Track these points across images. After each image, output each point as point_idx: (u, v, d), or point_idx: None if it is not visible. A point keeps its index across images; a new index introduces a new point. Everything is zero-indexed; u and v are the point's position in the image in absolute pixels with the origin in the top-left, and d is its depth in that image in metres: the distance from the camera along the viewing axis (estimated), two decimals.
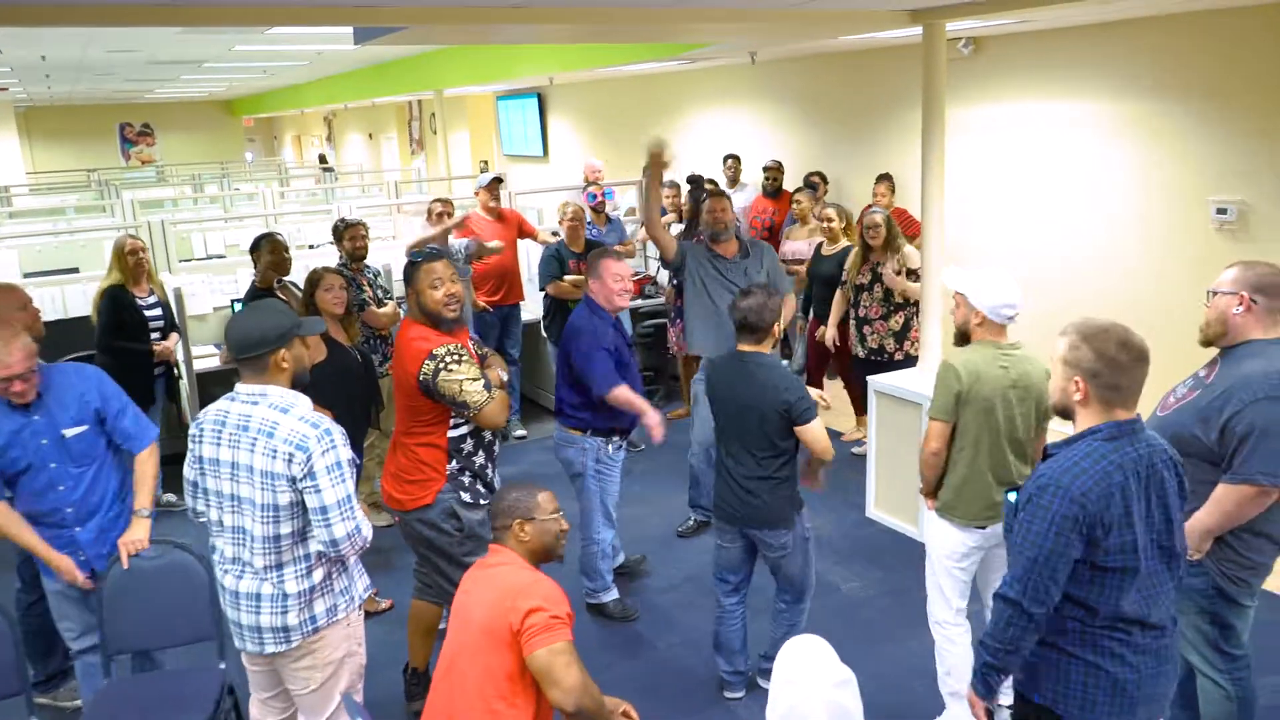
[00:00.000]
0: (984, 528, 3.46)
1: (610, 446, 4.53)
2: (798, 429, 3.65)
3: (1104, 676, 2.38)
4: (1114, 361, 2.33)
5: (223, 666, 3.46)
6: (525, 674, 2.57)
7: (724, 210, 5.24)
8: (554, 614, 2.56)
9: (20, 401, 3.34)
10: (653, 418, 4.32)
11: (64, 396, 3.44)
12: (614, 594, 4.74)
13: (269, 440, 2.76)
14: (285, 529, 2.81)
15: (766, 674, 4.13)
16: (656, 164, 5.01)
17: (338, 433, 2.82)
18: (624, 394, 4.31)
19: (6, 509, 3.39)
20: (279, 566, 2.84)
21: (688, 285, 5.34)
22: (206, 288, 6.96)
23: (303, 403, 2.86)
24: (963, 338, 3.49)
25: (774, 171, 8.37)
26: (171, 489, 6.30)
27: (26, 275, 7.30)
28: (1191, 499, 2.86)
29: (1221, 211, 5.71)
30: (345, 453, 2.82)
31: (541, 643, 2.52)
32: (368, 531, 2.87)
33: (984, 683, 2.49)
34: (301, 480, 2.74)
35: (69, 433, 3.42)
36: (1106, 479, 2.29)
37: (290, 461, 2.74)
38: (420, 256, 3.69)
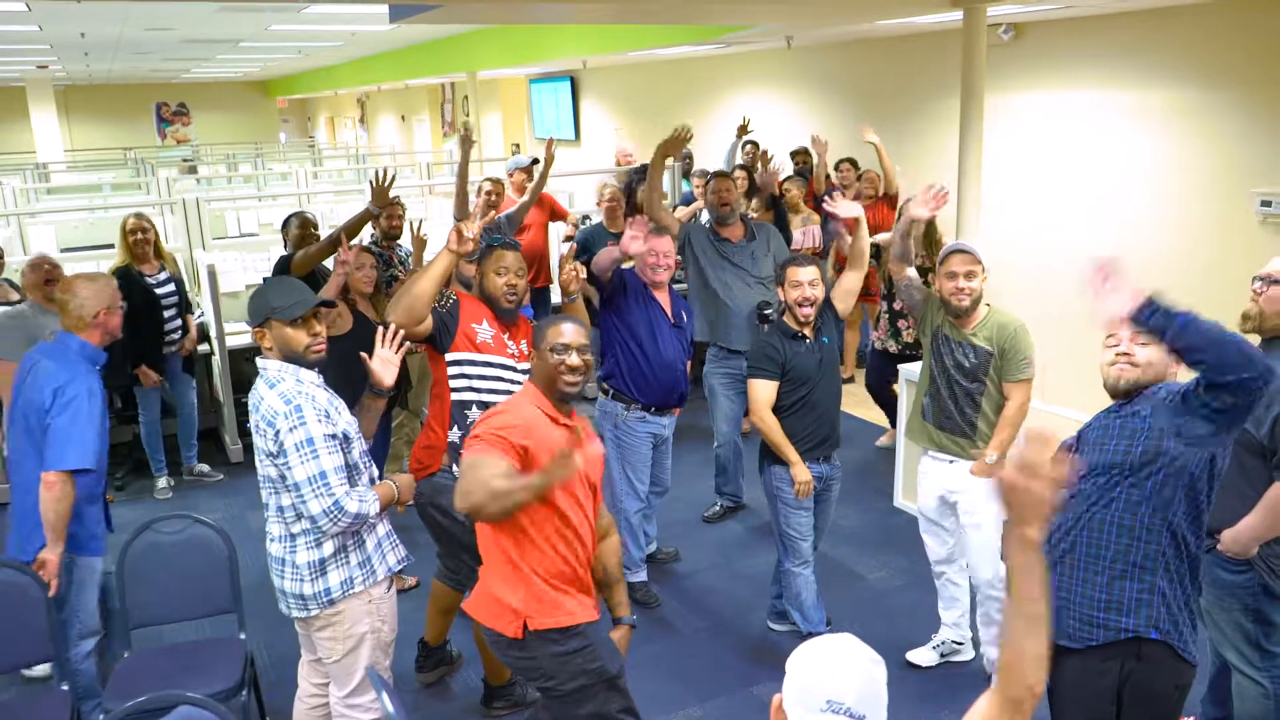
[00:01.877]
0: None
1: (628, 413, 4.42)
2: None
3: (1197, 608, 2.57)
4: None
5: (243, 637, 3.50)
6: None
7: (728, 190, 5.19)
8: (478, 432, 2.65)
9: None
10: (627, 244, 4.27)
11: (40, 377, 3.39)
12: (643, 575, 4.70)
13: (256, 414, 2.86)
14: (284, 500, 2.87)
15: (777, 616, 4.32)
16: (674, 145, 5.01)
17: (311, 409, 2.79)
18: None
19: None
20: (291, 537, 2.91)
21: (690, 270, 5.29)
22: (239, 265, 7.02)
23: (290, 379, 2.86)
24: (975, 305, 3.63)
25: (802, 155, 8.29)
26: (204, 460, 6.39)
27: (64, 250, 7.39)
28: (1246, 492, 2.82)
29: (1266, 204, 5.59)
30: (319, 429, 2.78)
31: (467, 454, 2.64)
32: (354, 508, 2.81)
33: (1157, 314, 2.31)
34: (276, 456, 2.80)
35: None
36: None
37: (265, 436, 2.81)
38: (497, 241, 3.70)
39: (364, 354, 3.15)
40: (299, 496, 2.79)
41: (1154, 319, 2.30)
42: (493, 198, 6.36)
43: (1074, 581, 2.54)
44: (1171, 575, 2.47)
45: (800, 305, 3.82)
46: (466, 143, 5.85)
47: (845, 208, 4.10)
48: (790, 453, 3.81)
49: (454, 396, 3.59)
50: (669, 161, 8.84)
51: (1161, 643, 2.47)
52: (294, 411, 2.78)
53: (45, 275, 4.86)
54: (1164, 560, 2.46)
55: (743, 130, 7.55)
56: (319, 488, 2.77)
